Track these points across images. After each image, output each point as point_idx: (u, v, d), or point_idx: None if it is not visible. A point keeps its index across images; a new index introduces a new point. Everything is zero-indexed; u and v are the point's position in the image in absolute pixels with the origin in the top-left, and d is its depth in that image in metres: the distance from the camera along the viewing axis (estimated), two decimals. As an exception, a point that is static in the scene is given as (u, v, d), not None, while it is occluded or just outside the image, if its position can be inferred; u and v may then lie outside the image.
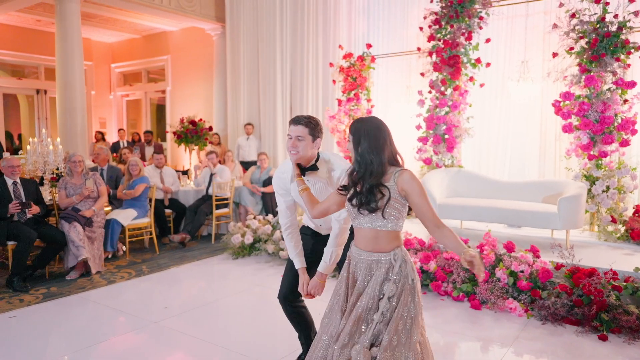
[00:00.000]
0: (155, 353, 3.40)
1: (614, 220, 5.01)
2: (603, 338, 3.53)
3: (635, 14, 4.87)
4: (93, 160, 7.70)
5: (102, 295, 4.50)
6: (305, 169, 2.58)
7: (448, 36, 5.83)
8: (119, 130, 10.56)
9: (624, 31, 4.87)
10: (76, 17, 7.51)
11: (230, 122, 9.43)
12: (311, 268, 2.77)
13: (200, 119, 7.81)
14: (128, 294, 4.61)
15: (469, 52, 5.83)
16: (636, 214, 5.11)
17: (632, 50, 4.86)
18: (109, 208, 5.94)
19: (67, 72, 7.50)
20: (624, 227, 5.05)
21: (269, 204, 7.26)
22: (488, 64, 5.82)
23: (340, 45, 7.43)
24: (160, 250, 6.16)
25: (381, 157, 2.04)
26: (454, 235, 2.05)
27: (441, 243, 2.11)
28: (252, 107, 9.20)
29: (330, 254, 2.67)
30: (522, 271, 4.12)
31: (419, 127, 6.19)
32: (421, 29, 6.11)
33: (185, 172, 8.61)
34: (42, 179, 5.93)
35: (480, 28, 5.77)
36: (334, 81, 7.38)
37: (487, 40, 5.80)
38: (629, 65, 4.93)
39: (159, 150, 8.80)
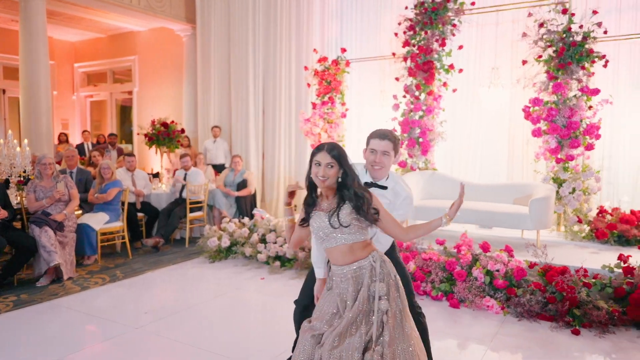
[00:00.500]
0: (144, 358, 3.32)
1: (579, 221, 5.26)
2: (576, 332, 3.71)
3: (599, 25, 5.13)
4: (58, 163, 7.44)
5: (77, 302, 4.37)
6: (375, 185, 2.57)
7: (422, 42, 5.98)
8: (83, 132, 10.24)
9: (588, 41, 5.13)
10: (42, 15, 7.26)
11: (201, 124, 9.32)
12: None
13: (172, 121, 7.69)
14: (104, 299, 4.48)
15: (442, 58, 5.99)
16: (600, 215, 5.38)
17: (596, 59, 5.12)
18: (79, 212, 5.78)
19: (32, 72, 7.23)
20: (589, 227, 5.30)
21: (243, 207, 7.22)
22: (460, 70, 6.00)
23: (314, 49, 7.48)
24: (132, 254, 6.01)
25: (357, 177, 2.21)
26: (418, 225, 2.25)
27: (417, 237, 2.28)
28: (222, 109, 9.13)
29: None
30: (497, 270, 4.26)
31: (393, 130, 6.30)
32: (396, 34, 6.24)
33: (156, 175, 8.44)
34: (7, 181, 5.70)
35: (453, 35, 5.94)
36: (308, 84, 7.41)
37: (460, 47, 5.98)
38: (592, 74, 5.19)
39: (121, 153, 8.57)
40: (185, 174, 6.96)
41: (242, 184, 7.33)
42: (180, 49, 10.08)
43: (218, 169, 8.50)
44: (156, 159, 9.34)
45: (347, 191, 2.15)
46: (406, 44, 6.08)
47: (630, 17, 5.70)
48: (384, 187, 2.58)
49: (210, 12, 8.93)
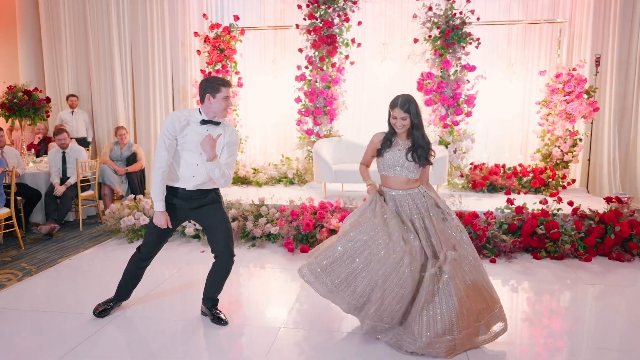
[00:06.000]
0: (155, 337, 3.13)
1: (461, 175, 6.41)
2: (493, 261, 4.71)
3: (472, 12, 6.19)
4: None
5: (14, 302, 3.72)
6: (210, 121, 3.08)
7: (326, 16, 6.32)
8: None
9: (465, 26, 6.16)
10: None
11: (51, 92, 8.12)
12: None
13: (36, 89, 6.53)
14: (46, 294, 3.92)
15: (343, 32, 6.44)
16: (473, 169, 6.62)
17: (471, 41, 6.19)
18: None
19: None
20: (465, 180, 6.49)
21: (135, 183, 6.72)
22: (359, 44, 6.54)
23: (204, 14, 7.19)
24: (23, 244, 5.18)
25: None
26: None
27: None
28: (80, 76, 8.17)
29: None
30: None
31: (298, 99, 6.59)
32: (300, 7, 6.44)
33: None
34: None
35: (353, 12, 6.41)
36: (198, 51, 7.13)
37: (359, 23, 6.51)
38: (468, 53, 6.26)
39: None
40: (64, 153, 6.13)
41: (132, 158, 6.78)
42: (9, 1, 8.45)
43: (81, 143, 7.63)
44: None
45: None
46: (311, 16, 6.35)
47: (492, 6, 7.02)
48: (218, 123, 3.09)
49: (56, -39, 7.74)
